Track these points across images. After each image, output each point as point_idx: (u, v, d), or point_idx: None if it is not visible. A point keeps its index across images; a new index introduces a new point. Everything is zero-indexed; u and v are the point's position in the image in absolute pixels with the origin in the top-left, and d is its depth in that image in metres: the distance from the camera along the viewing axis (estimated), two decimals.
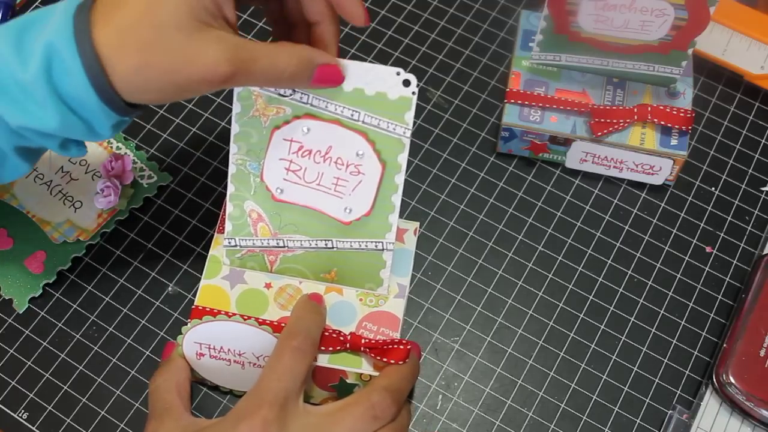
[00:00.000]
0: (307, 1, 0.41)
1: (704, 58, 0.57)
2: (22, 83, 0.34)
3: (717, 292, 0.52)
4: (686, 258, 0.53)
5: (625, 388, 0.49)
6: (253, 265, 0.46)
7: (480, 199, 0.54)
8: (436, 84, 0.59)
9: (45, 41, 0.33)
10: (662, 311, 0.51)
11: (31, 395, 0.48)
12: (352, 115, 0.42)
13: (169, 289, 0.51)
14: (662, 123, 0.51)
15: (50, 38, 0.33)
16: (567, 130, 0.52)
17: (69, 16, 0.34)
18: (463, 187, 0.55)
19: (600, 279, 0.52)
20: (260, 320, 0.44)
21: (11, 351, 0.49)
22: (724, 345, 0.48)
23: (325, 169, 0.43)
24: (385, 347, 0.43)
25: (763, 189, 0.56)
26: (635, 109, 0.52)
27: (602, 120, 0.51)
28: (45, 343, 0.49)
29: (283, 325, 0.43)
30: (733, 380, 0.46)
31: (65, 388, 0.48)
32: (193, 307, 0.45)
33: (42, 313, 0.50)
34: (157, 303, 0.50)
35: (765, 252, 0.52)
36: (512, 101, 0.53)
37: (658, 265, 0.53)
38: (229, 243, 0.46)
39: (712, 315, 0.51)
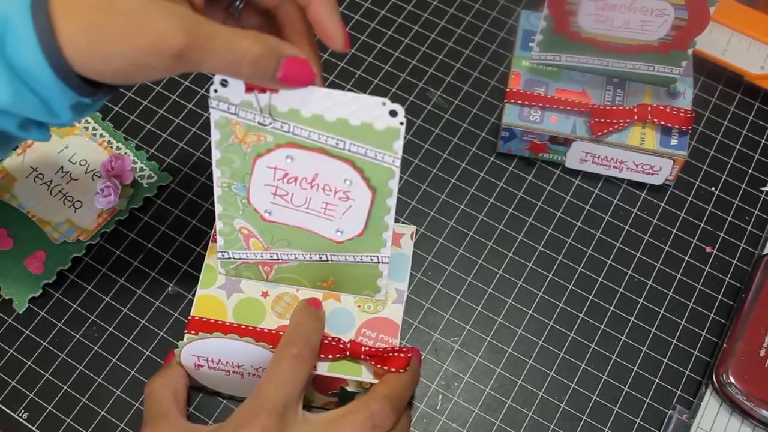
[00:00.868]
0: None
1: (704, 58, 0.57)
2: None
3: (717, 292, 0.52)
4: (686, 258, 0.53)
5: (625, 388, 0.49)
6: (249, 275, 0.46)
7: (480, 199, 0.54)
8: (436, 84, 0.59)
9: (0, 12, 0.32)
10: (662, 311, 0.51)
11: (31, 395, 0.48)
12: (337, 143, 0.39)
13: (169, 289, 0.51)
14: (662, 123, 0.51)
15: (4, 9, 0.31)
16: (567, 130, 0.52)
17: None
18: (463, 187, 0.55)
19: (600, 279, 0.52)
20: (258, 332, 0.44)
21: (11, 351, 0.49)
22: (724, 345, 0.48)
23: (313, 195, 0.41)
24: (385, 355, 0.42)
25: (763, 189, 0.56)
26: (635, 109, 0.52)
27: (602, 120, 0.51)
28: (45, 343, 0.49)
29: (281, 334, 0.43)
30: (733, 380, 0.46)
31: (65, 388, 0.48)
32: (189, 317, 0.45)
33: (42, 313, 0.50)
34: (157, 303, 0.50)
35: (765, 252, 0.52)
36: (512, 101, 0.53)
37: (658, 265, 0.53)
38: (223, 255, 0.45)
39: (712, 315, 0.51)
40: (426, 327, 0.50)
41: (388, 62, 0.60)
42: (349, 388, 0.44)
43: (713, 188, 0.55)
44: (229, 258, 0.45)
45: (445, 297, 0.51)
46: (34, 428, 0.47)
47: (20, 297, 0.49)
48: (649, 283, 0.52)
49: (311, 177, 0.41)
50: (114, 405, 0.47)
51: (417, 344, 0.49)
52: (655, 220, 0.54)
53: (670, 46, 0.51)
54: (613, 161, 0.53)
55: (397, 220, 0.53)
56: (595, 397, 0.48)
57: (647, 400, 0.48)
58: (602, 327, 0.50)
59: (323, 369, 0.43)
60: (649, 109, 0.51)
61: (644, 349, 0.50)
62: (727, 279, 0.52)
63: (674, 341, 0.50)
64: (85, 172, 0.53)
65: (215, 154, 0.41)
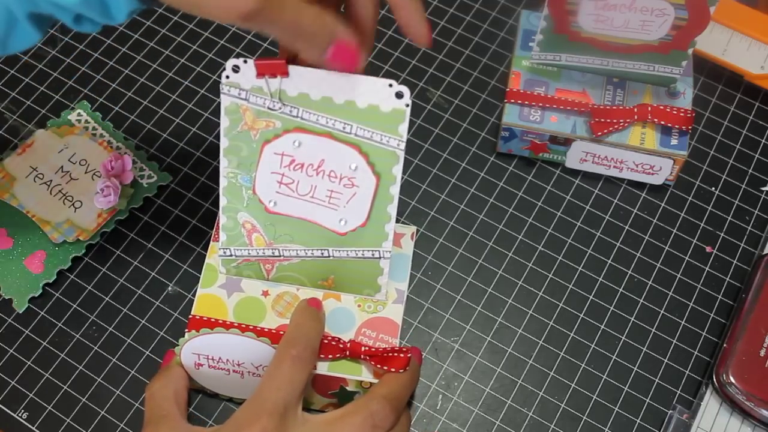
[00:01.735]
0: None
1: (704, 58, 0.57)
2: None
3: (717, 292, 0.52)
4: (686, 258, 0.53)
5: (625, 388, 0.49)
6: (250, 274, 0.46)
7: (480, 199, 0.54)
8: (436, 84, 0.59)
9: None
10: (662, 311, 0.51)
11: (31, 395, 0.48)
12: (344, 128, 0.40)
13: (169, 289, 0.51)
14: (662, 123, 0.51)
15: None
16: (567, 130, 0.52)
17: None
18: (463, 187, 0.55)
19: (600, 279, 0.52)
20: (258, 330, 0.44)
21: (11, 351, 0.49)
22: (724, 345, 0.48)
23: (318, 182, 0.42)
24: (385, 355, 0.42)
25: (763, 189, 0.56)
26: (635, 109, 0.52)
27: (602, 120, 0.51)
28: (45, 343, 0.49)
29: (281, 333, 0.43)
30: (733, 380, 0.46)
31: (65, 388, 0.48)
32: (190, 316, 0.45)
33: (42, 313, 0.50)
34: (157, 303, 0.50)
35: (765, 252, 0.52)
36: (512, 101, 0.53)
37: (658, 265, 0.53)
38: (224, 252, 0.45)
39: (712, 315, 0.51)
40: (426, 327, 0.50)
41: (388, 62, 0.60)
42: (348, 388, 0.44)
43: (713, 188, 0.55)
44: (231, 255, 0.45)
45: (445, 297, 0.51)
46: (34, 428, 0.47)
47: (20, 297, 0.49)
48: (649, 283, 0.52)
49: (317, 163, 0.42)
50: (114, 405, 0.47)
51: (417, 344, 0.49)
52: (655, 220, 0.54)
53: (670, 46, 0.51)
54: (613, 161, 0.53)
55: (397, 220, 0.53)
56: (595, 397, 0.48)
57: (647, 400, 0.48)
58: (602, 327, 0.50)
59: (323, 368, 0.43)
60: (649, 109, 0.51)
61: (644, 349, 0.50)
62: (727, 279, 0.52)
63: (674, 341, 0.50)
64: (85, 172, 0.53)
65: (223, 142, 0.42)
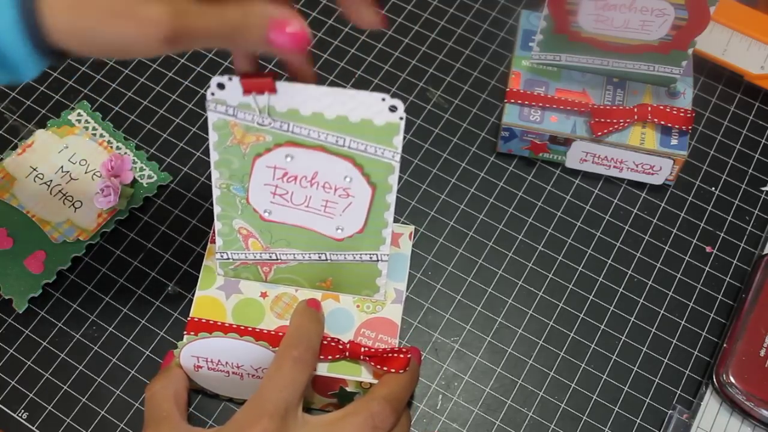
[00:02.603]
0: None
1: (704, 58, 0.57)
2: None
3: (717, 292, 0.52)
4: (686, 258, 0.53)
5: (625, 388, 0.49)
6: (248, 276, 0.46)
7: (480, 199, 0.54)
8: (436, 84, 0.59)
9: None
10: (662, 311, 0.51)
11: (31, 395, 0.48)
12: (336, 141, 0.39)
13: (169, 289, 0.51)
14: (662, 123, 0.51)
15: None
16: (567, 130, 0.52)
17: None
18: (463, 187, 0.55)
19: (600, 279, 0.52)
20: (257, 332, 0.44)
21: (11, 351, 0.49)
22: (724, 345, 0.48)
23: (313, 193, 0.41)
24: (384, 356, 0.42)
25: (763, 189, 0.56)
26: (635, 109, 0.52)
27: (602, 120, 0.51)
28: (45, 343, 0.49)
29: (280, 334, 0.43)
30: (733, 380, 0.46)
31: (65, 388, 0.48)
32: (188, 319, 0.45)
33: (42, 313, 0.50)
34: (157, 303, 0.50)
35: (765, 252, 0.52)
36: (512, 101, 0.53)
37: (658, 265, 0.53)
38: (222, 256, 0.45)
39: (712, 315, 0.51)
40: (426, 327, 0.50)
41: (388, 62, 0.60)
42: (348, 389, 0.44)
43: (713, 188, 0.55)
44: (228, 259, 0.45)
45: (445, 297, 0.51)
46: (34, 428, 0.47)
47: (20, 297, 0.49)
48: (649, 283, 0.52)
49: (311, 175, 0.41)
50: (114, 405, 0.47)
51: (417, 344, 0.49)
52: (655, 220, 0.54)
53: (670, 46, 0.51)
54: (613, 161, 0.53)
55: (396, 220, 0.53)
56: (595, 397, 0.48)
57: (647, 400, 0.48)
58: (602, 327, 0.50)
59: (323, 369, 0.43)
60: (649, 109, 0.51)
61: (644, 349, 0.50)
62: (727, 279, 0.52)
63: (674, 341, 0.50)
64: (85, 172, 0.53)
65: (213, 156, 0.41)
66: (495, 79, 0.59)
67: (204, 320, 0.44)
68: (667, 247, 0.53)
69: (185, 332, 0.44)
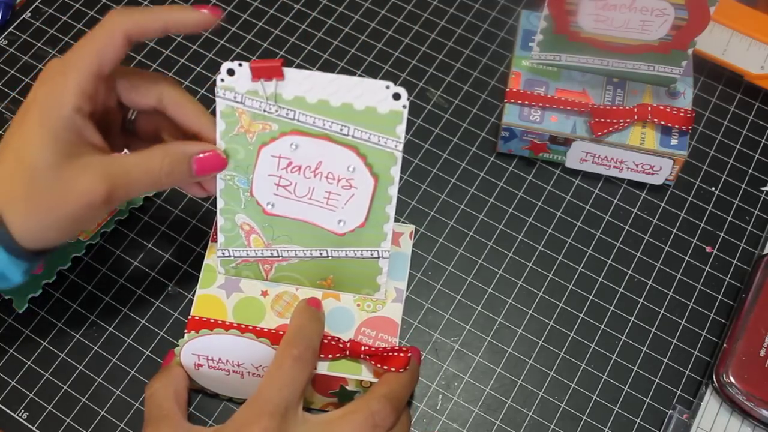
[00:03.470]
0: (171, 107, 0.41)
1: (704, 58, 0.57)
2: None
3: (717, 292, 0.52)
4: (686, 258, 0.53)
5: (625, 388, 0.49)
6: (248, 274, 0.46)
7: (480, 199, 0.54)
8: (436, 84, 0.59)
9: None
10: (662, 311, 0.51)
11: (31, 395, 0.48)
12: (341, 129, 0.40)
13: (169, 289, 0.51)
14: (662, 123, 0.51)
15: None
16: (567, 130, 0.52)
17: None
18: (463, 187, 0.55)
19: (600, 279, 0.52)
20: (258, 331, 0.44)
21: (11, 351, 0.49)
22: (724, 345, 0.48)
23: (316, 184, 0.42)
24: (385, 354, 0.42)
25: (763, 189, 0.56)
26: (635, 109, 0.52)
27: (602, 120, 0.51)
28: (45, 343, 0.49)
29: (281, 333, 0.43)
30: (733, 380, 0.46)
31: (65, 388, 0.48)
32: (189, 317, 0.45)
33: (42, 313, 0.50)
34: (157, 303, 0.50)
35: (765, 252, 0.52)
36: (512, 101, 0.53)
37: (658, 265, 0.53)
38: (223, 254, 0.45)
39: (712, 315, 0.51)
40: (426, 327, 0.50)
41: (388, 62, 0.60)
42: (349, 388, 0.44)
43: (713, 188, 0.55)
44: (230, 256, 0.45)
45: (445, 297, 0.51)
46: (34, 428, 0.47)
47: (20, 297, 0.49)
48: (649, 283, 0.52)
49: (315, 165, 0.41)
50: (114, 405, 0.47)
51: (417, 344, 0.49)
52: (655, 220, 0.54)
53: (670, 46, 0.51)
54: (613, 161, 0.53)
55: (396, 220, 0.53)
56: (595, 397, 0.48)
57: (647, 400, 0.48)
58: (602, 327, 0.50)
59: (323, 368, 0.43)
60: (649, 109, 0.51)
61: (644, 349, 0.50)
62: (727, 279, 0.52)
63: (674, 341, 0.50)
64: None
65: (220, 145, 0.42)
66: (495, 79, 0.59)
67: (205, 318, 0.44)
68: (667, 247, 0.53)
69: (186, 330, 0.44)
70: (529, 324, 0.50)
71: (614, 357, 0.50)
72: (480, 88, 0.59)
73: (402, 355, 0.42)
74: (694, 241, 0.53)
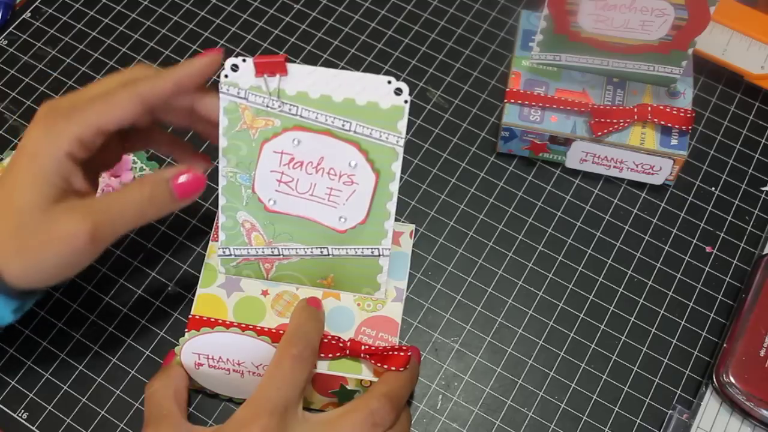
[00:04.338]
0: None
1: (704, 58, 0.57)
2: None
3: (717, 292, 0.52)
4: (686, 258, 0.53)
5: (625, 388, 0.49)
6: (249, 273, 0.46)
7: (480, 199, 0.54)
8: (436, 84, 0.59)
9: None
10: (662, 311, 0.51)
11: (31, 395, 0.48)
12: (343, 125, 0.41)
13: (169, 289, 0.51)
14: (662, 123, 0.51)
15: None
16: (567, 130, 0.52)
17: None
18: (463, 187, 0.55)
19: (600, 279, 0.52)
20: (258, 329, 0.44)
21: (11, 351, 0.49)
22: (724, 345, 0.48)
23: (318, 180, 0.42)
24: (385, 354, 0.42)
25: (763, 189, 0.56)
26: (635, 109, 0.52)
27: (602, 120, 0.51)
28: (45, 343, 0.49)
29: (281, 332, 0.43)
30: (733, 380, 0.46)
31: (65, 388, 0.48)
32: (189, 316, 0.45)
33: (42, 313, 0.50)
34: (157, 303, 0.50)
35: (765, 252, 0.52)
36: (512, 101, 0.53)
37: (658, 265, 0.53)
38: (224, 252, 0.46)
39: (712, 315, 0.51)
40: (426, 327, 0.50)
41: (388, 62, 0.60)
42: (349, 387, 0.44)
43: (713, 188, 0.55)
44: (231, 255, 0.45)
45: (445, 297, 0.51)
46: (34, 428, 0.47)
47: None
48: (649, 283, 0.52)
49: (317, 161, 0.42)
50: (114, 405, 0.47)
51: (417, 344, 0.49)
52: (655, 220, 0.54)
53: (670, 46, 0.51)
54: (613, 161, 0.53)
55: (396, 220, 0.53)
56: (595, 397, 0.48)
57: (647, 400, 0.48)
58: (602, 327, 0.50)
59: (323, 367, 0.43)
60: (649, 109, 0.51)
61: (644, 349, 0.50)
62: (727, 279, 0.52)
63: (674, 341, 0.50)
64: None
65: (222, 142, 0.42)
66: (495, 79, 0.59)
67: (205, 318, 0.44)
68: (667, 247, 0.53)
69: (186, 329, 0.44)
70: (529, 324, 0.50)
71: (614, 357, 0.50)
72: (480, 88, 0.59)
73: (402, 354, 0.42)
74: (694, 241, 0.53)
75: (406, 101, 0.39)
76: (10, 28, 0.61)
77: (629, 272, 0.52)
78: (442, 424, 0.47)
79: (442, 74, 0.59)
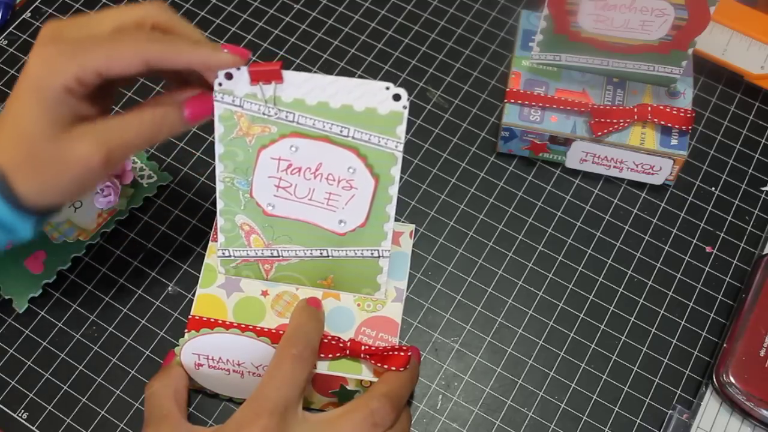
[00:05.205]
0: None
1: (704, 58, 0.57)
2: None
3: (717, 292, 0.52)
4: (686, 258, 0.53)
5: (625, 388, 0.49)
6: (249, 274, 0.46)
7: (480, 199, 0.54)
8: (436, 84, 0.59)
9: None
10: (662, 311, 0.51)
11: (31, 395, 0.48)
12: (341, 131, 0.40)
13: (169, 289, 0.51)
14: (662, 123, 0.51)
15: None
16: (567, 130, 0.52)
17: None
18: (463, 187, 0.55)
19: (600, 279, 0.52)
20: (258, 330, 0.44)
21: (11, 351, 0.49)
22: (724, 345, 0.48)
23: (316, 185, 0.42)
24: (385, 354, 0.42)
25: (763, 189, 0.56)
26: (635, 109, 0.52)
27: (602, 120, 0.51)
28: (45, 343, 0.49)
29: (281, 332, 0.43)
30: (733, 380, 0.46)
31: (65, 388, 0.48)
32: (189, 317, 0.45)
33: (42, 313, 0.50)
34: (157, 303, 0.50)
35: (765, 252, 0.52)
36: (512, 101, 0.53)
37: (658, 265, 0.53)
38: (223, 253, 0.45)
39: (712, 315, 0.51)
40: (426, 327, 0.50)
41: (388, 62, 0.60)
42: (349, 387, 0.44)
43: (713, 188, 0.55)
44: (230, 256, 0.45)
45: (445, 297, 0.51)
46: (34, 428, 0.47)
47: (20, 297, 0.49)
48: (649, 283, 0.52)
49: (315, 167, 0.41)
50: (114, 405, 0.47)
51: (417, 344, 0.49)
52: (655, 220, 0.54)
53: (670, 46, 0.51)
54: (613, 161, 0.53)
55: (396, 220, 0.53)
56: (595, 397, 0.48)
57: (647, 400, 0.48)
58: (602, 327, 0.50)
59: (323, 368, 0.43)
60: (649, 109, 0.51)
61: (644, 349, 0.50)
62: (727, 279, 0.52)
63: (674, 341, 0.50)
64: None
65: (218, 149, 0.41)
66: (495, 79, 0.59)
67: (205, 318, 0.44)
68: (667, 247, 0.53)
69: (186, 330, 0.44)
70: (529, 324, 0.50)
71: (614, 357, 0.50)
72: (480, 88, 0.59)
73: (402, 354, 0.42)
74: (694, 241, 0.53)
75: (405, 107, 0.39)
76: (10, 28, 0.61)
77: (629, 272, 0.52)
78: (442, 424, 0.47)
79: (442, 74, 0.59)
